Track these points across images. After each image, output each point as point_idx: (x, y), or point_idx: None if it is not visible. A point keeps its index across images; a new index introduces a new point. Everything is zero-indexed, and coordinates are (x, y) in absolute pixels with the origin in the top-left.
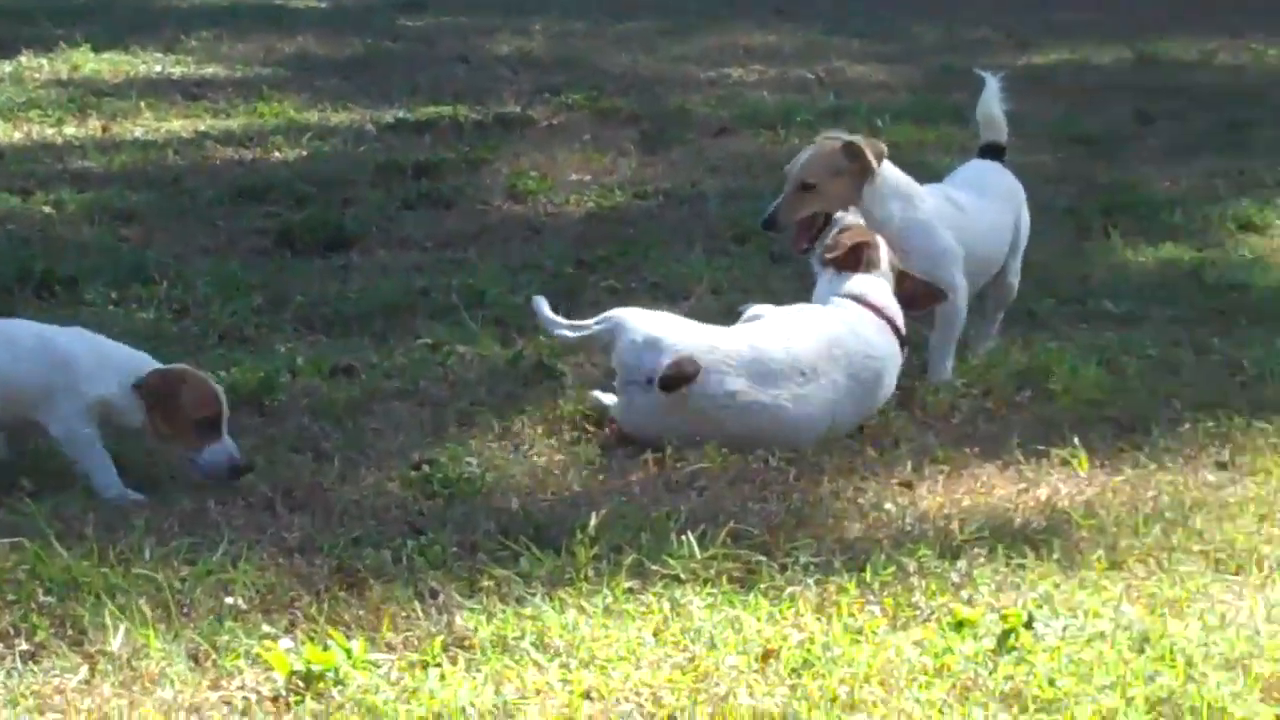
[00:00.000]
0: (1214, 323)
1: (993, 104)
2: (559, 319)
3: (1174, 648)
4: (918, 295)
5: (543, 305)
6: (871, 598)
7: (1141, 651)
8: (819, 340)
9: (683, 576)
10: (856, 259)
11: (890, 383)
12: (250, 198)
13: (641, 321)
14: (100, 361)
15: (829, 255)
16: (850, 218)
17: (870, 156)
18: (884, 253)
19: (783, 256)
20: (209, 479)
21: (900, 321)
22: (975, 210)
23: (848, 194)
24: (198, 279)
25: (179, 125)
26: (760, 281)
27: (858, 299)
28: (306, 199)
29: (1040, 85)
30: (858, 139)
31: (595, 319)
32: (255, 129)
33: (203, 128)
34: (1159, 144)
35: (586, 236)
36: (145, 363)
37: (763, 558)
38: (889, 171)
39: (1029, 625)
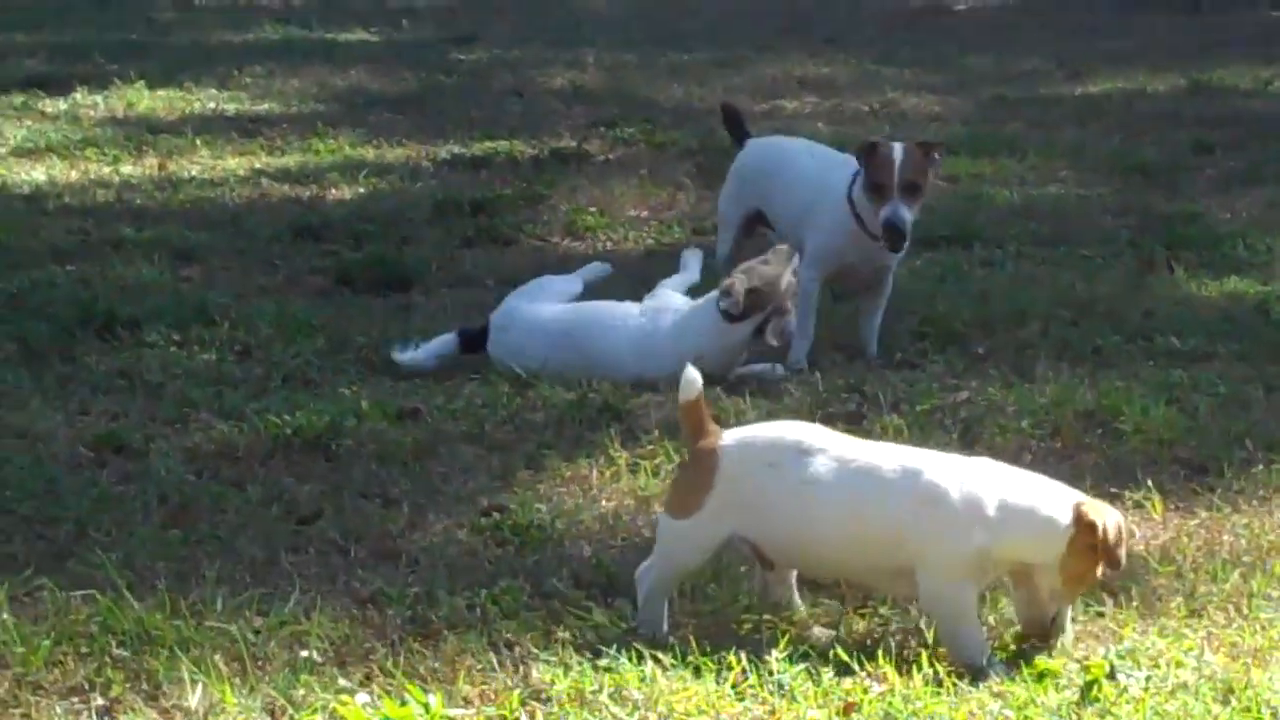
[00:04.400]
0: None
1: None
2: None
3: (1259, 700)
4: None
5: None
6: None
7: (1226, 704)
8: None
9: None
10: None
11: None
12: (308, 236)
13: None
14: None
15: None
16: None
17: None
18: None
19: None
20: None
21: None
22: None
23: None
24: (259, 320)
25: (235, 163)
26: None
27: None
28: (365, 237)
29: (1095, 115)
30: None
31: None
32: (311, 166)
33: (259, 165)
34: (1218, 174)
35: (647, 274)
36: None
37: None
38: None
39: (1111, 676)
